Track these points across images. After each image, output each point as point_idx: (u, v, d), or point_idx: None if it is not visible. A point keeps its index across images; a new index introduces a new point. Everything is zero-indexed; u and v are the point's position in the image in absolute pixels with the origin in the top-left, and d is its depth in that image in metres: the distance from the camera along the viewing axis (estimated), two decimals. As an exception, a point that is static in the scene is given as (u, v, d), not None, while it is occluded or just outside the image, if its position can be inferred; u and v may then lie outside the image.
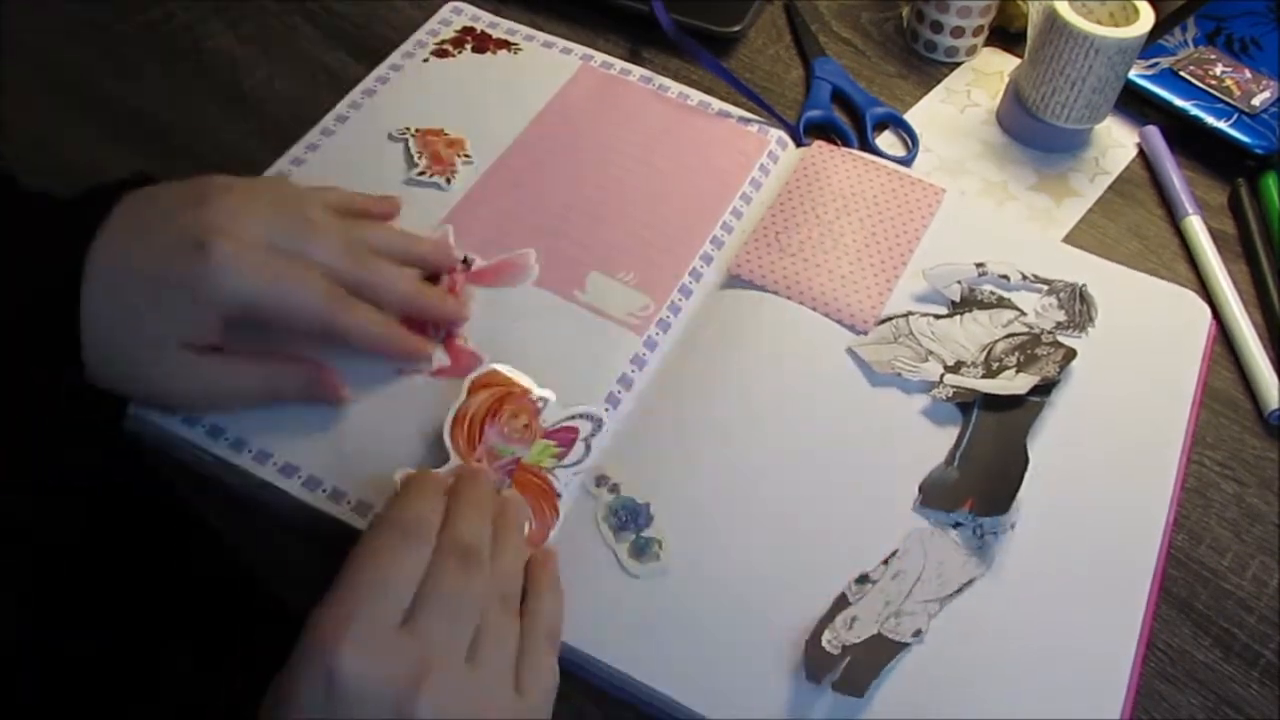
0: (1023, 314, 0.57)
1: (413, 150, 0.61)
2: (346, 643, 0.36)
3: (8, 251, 0.44)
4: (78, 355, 0.43)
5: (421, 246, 0.54)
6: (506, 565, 0.43)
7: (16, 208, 0.47)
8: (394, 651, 0.37)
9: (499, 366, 0.51)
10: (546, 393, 0.51)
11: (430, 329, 0.53)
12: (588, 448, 0.50)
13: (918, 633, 0.45)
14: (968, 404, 0.53)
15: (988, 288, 0.58)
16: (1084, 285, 0.58)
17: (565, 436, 0.50)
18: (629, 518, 0.48)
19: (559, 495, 0.49)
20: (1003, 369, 0.54)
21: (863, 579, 0.47)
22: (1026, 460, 0.51)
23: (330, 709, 0.36)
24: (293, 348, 0.49)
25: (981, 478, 0.50)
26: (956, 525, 0.49)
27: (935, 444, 0.52)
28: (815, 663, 0.44)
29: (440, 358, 0.52)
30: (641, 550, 0.47)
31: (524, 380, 0.51)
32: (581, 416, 0.51)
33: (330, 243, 0.48)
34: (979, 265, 0.58)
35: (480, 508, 0.43)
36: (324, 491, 0.47)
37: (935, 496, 0.50)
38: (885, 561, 0.48)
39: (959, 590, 0.47)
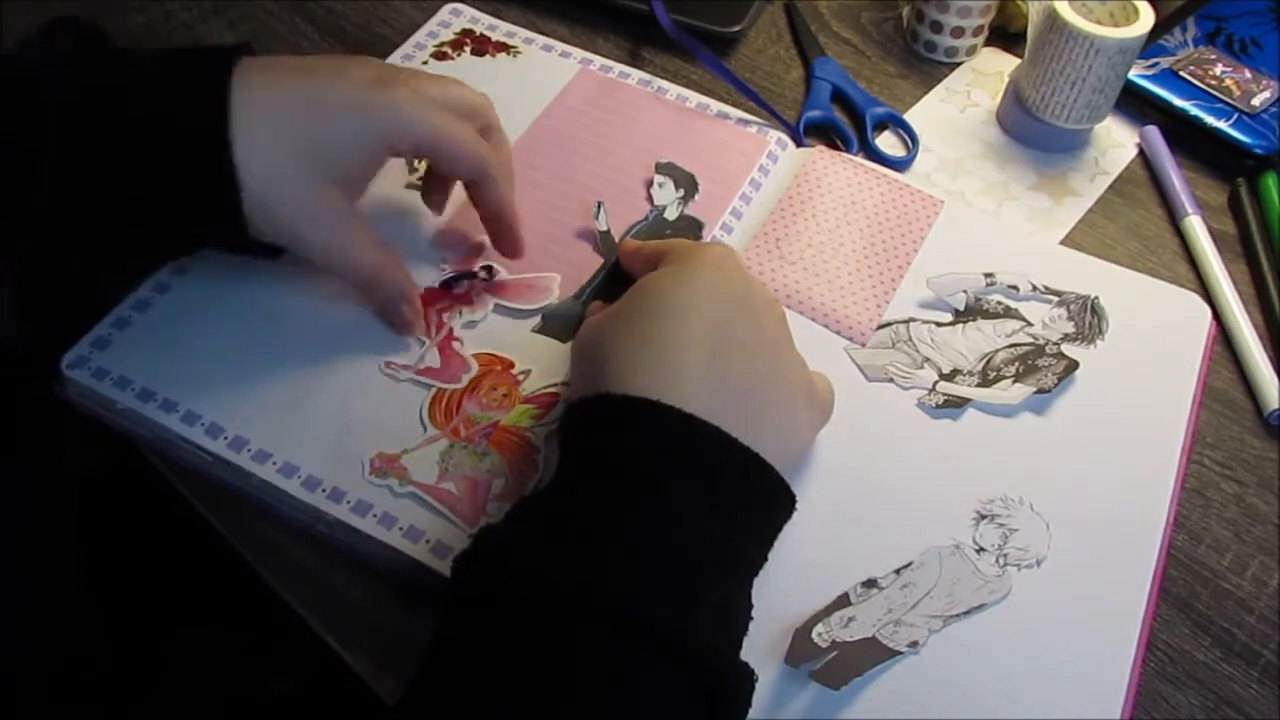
0: (1029, 324, 0.57)
1: (412, 151, 0.61)
2: None
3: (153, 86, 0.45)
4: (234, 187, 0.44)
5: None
6: None
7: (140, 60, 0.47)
8: None
9: (481, 349, 0.52)
10: (529, 367, 0.51)
11: (432, 330, 0.53)
12: None
13: (914, 644, 0.45)
14: (614, 248, 0.56)
15: (996, 297, 0.58)
16: (1096, 298, 0.58)
17: (546, 400, 0.51)
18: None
19: (538, 450, 0.49)
20: (999, 378, 0.54)
21: (870, 583, 0.47)
22: None
23: None
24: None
25: None
26: (980, 550, 0.49)
27: (942, 448, 0.52)
28: (798, 650, 0.44)
29: (431, 359, 0.52)
30: (641, 551, 0.47)
31: (506, 357, 0.52)
32: (564, 384, 0.51)
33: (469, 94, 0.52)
34: (988, 275, 0.58)
35: None
36: (323, 491, 0.47)
37: (554, 327, 0.53)
38: (897, 571, 0.48)
39: (967, 612, 0.47)
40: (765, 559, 0.43)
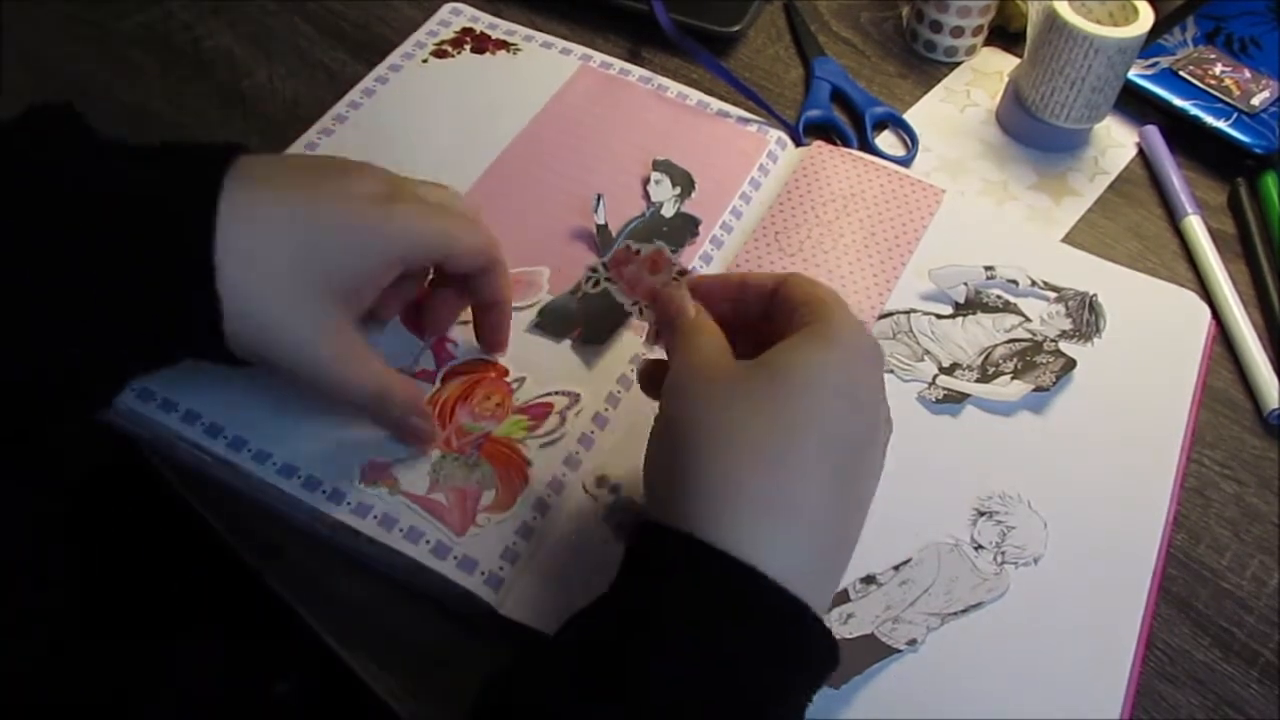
0: (1027, 320, 0.57)
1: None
2: None
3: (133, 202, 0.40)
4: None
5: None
6: None
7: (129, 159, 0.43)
8: None
9: (475, 355, 0.52)
10: (523, 374, 0.51)
11: (426, 331, 0.53)
12: (563, 419, 0.50)
13: (912, 642, 0.45)
14: (611, 243, 0.57)
15: (995, 291, 0.58)
16: (1094, 295, 0.58)
17: (539, 411, 0.51)
18: (630, 518, 0.48)
19: (529, 463, 0.49)
20: (998, 374, 0.54)
21: (868, 579, 0.47)
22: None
23: None
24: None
25: (595, 312, 0.54)
26: (979, 548, 0.49)
27: (941, 443, 0.52)
28: None
29: (426, 361, 0.52)
30: (641, 550, 0.47)
31: (501, 363, 0.52)
32: (557, 393, 0.51)
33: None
34: (988, 269, 0.58)
35: None
36: (323, 492, 0.47)
37: (551, 324, 0.54)
38: (896, 568, 0.48)
39: (965, 610, 0.47)
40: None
